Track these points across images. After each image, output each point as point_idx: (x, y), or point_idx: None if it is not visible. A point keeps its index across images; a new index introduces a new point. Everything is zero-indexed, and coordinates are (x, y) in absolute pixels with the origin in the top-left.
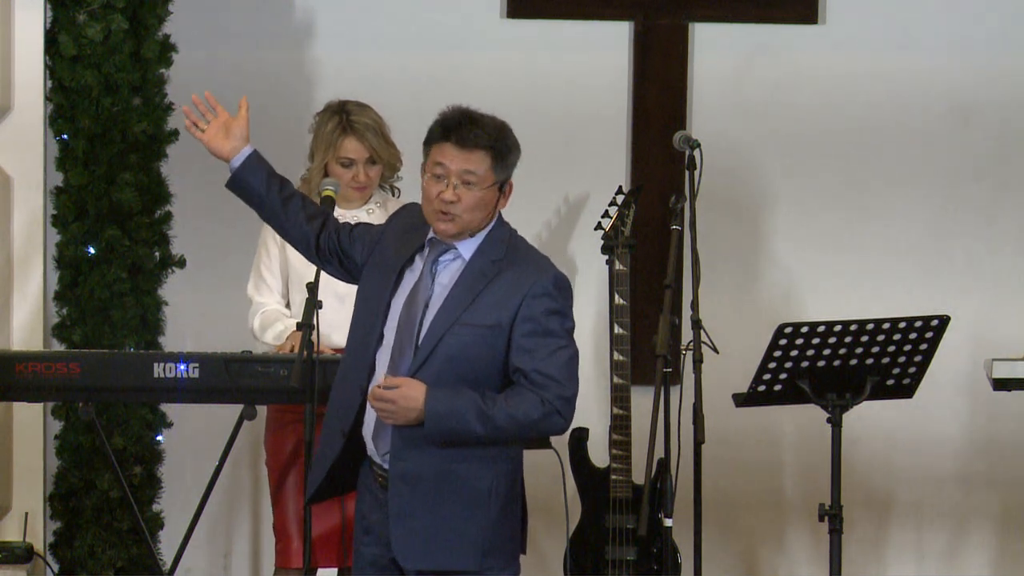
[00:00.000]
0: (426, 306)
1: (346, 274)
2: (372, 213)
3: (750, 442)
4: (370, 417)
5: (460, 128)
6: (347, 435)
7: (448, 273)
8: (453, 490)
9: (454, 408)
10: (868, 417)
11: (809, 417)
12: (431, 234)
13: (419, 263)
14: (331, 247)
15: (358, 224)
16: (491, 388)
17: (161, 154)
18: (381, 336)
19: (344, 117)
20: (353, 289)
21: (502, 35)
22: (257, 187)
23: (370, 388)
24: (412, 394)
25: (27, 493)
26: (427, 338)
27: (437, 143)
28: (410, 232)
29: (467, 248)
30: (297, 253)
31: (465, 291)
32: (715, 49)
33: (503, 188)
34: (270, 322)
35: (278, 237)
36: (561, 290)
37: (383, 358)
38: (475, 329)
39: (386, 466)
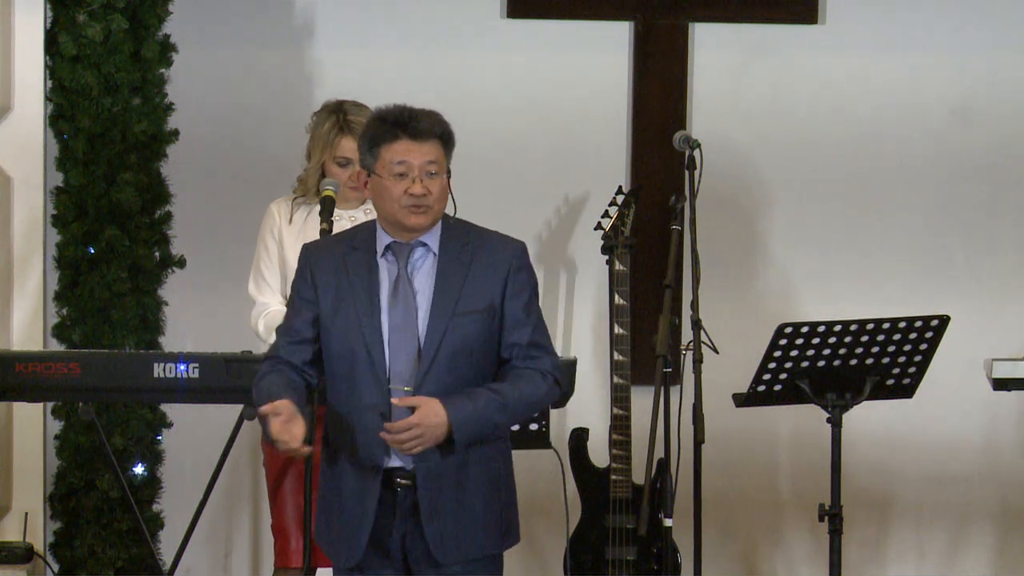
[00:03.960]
0: (416, 309)
1: None
2: (369, 213)
3: (750, 442)
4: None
5: (410, 122)
6: (382, 469)
7: (423, 271)
8: (473, 479)
9: (476, 409)
10: (868, 417)
11: (809, 417)
12: (387, 241)
13: (384, 276)
14: (315, 355)
15: (291, 321)
16: (489, 374)
17: (161, 154)
18: (382, 358)
19: (341, 117)
20: None
21: (502, 35)
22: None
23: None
24: (432, 411)
25: (27, 493)
26: (429, 338)
27: (388, 142)
28: (345, 262)
29: (433, 241)
30: (294, 252)
31: (450, 282)
32: (715, 49)
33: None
34: (275, 323)
35: (276, 234)
36: (528, 258)
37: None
38: (472, 316)
39: (408, 468)
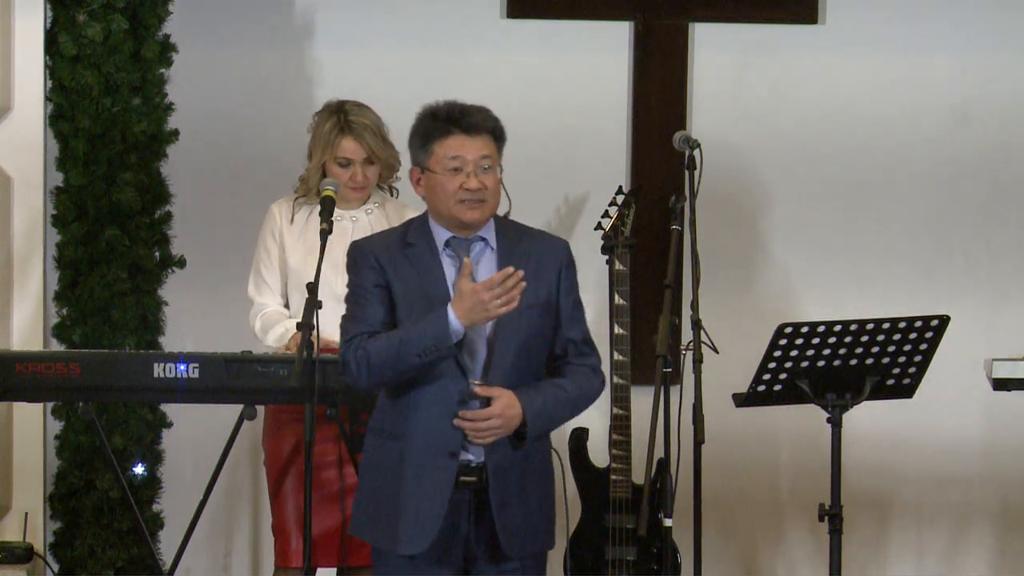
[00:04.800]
0: None
1: None
2: (371, 213)
3: (750, 442)
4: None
5: (462, 117)
6: (457, 458)
7: (484, 265)
8: (532, 473)
9: (545, 404)
10: (868, 417)
11: (808, 417)
12: (445, 236)
13: (449, 270)
14: None
15: (363, 311)
16: (543, 368)
17: (161, 154)
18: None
19: (342, 117)
20: None
21: (502, 35)
22: None
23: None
24: (511, 403)
25: (27, 493)
26: (501, 331)
27: (440, 138)
28: (406, 255)
29: (490, 235)
30: (295, 253)
31: None
32: (715, 49)
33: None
34: (271, 324)
35: (277, 235)
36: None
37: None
38: (535, 311)
39: (478, 460)
